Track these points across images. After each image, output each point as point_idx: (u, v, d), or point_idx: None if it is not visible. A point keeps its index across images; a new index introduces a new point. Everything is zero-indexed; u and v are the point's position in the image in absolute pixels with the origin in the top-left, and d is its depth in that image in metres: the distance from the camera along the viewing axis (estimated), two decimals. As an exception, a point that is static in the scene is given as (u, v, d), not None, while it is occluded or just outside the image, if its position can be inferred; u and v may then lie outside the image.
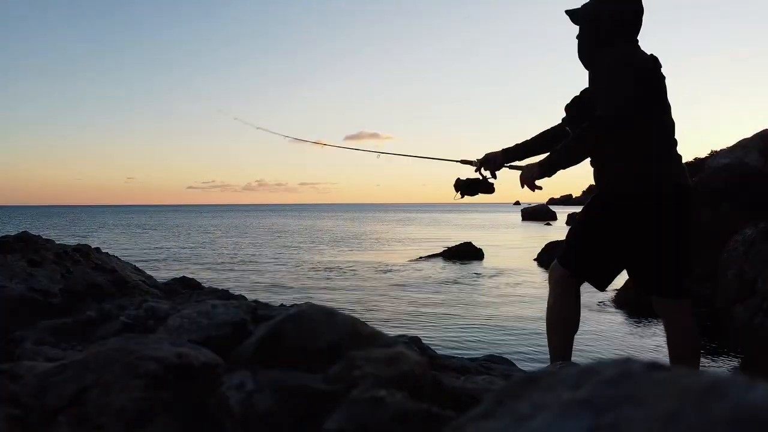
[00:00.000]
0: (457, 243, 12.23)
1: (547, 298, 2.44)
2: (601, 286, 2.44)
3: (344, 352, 0.85)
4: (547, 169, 2.30)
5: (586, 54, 2.38)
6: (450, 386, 0.94)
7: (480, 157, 2.74)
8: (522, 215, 36.16)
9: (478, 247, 11.92)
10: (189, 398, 0.81)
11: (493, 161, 2.67)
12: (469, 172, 2.83)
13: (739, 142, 6.95)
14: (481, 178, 2.73)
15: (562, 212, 33.04)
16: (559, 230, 22.04)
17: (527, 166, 2.43)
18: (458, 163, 2.84)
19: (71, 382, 0.83)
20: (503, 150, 2.66)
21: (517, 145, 2.65)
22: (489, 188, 2.73)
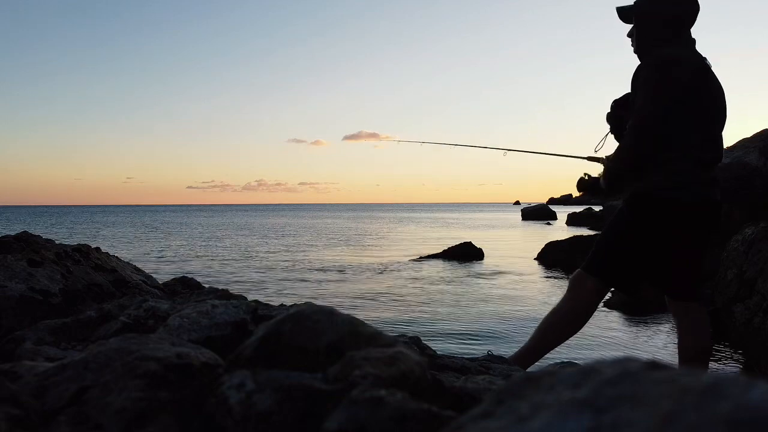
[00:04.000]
0: (457, 243, 12.22)
1: (560, 300, 2.43)
2: (629, 292, 2.46)
3: (344, 352, 0.85)
4: (609, 180, 2.45)
5: (638, 53, 2.40)
6: (450, 386, 0.94)
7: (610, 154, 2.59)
8: (522, 215, 36.15)
9: (478, 246, 11.92)
10: (189, 398, 0.81)
11: None
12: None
13: (739, 142, 6.94)
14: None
15: (562, 212, 33.02)
16: (559, 230, 22.03)
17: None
18: (585, 160, 2.68)
19: (71, 382, 0.83)
20: None
21: None
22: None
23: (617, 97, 2.45)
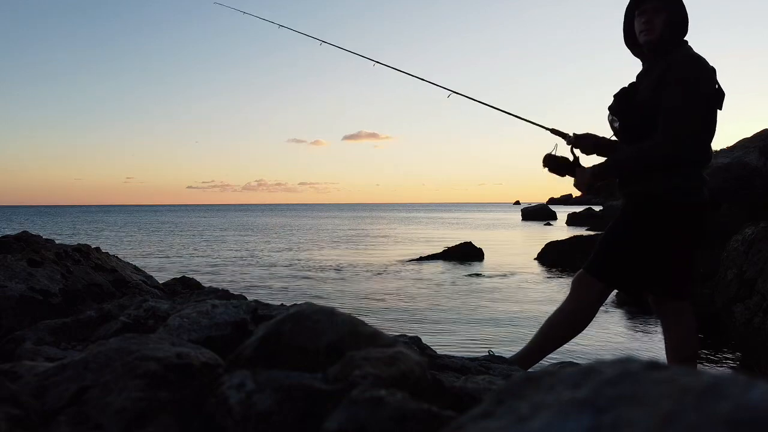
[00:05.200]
0: (458, 243, 12.22)
1: (563, 302, 2.41)
2: (631, 293, 2.44)
3: (344, 352, 0.85)
4: (599, 177, 2.37)
5: (660, 42, 2.26)
6: (450, 386, 0.94)
7: (578, 132, 2.54)
8: (522, 215, 36.16)
9: (478, 246, 11.92)
10: (189, 398, 0.81)
11: (592, 144, 2.50)
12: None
13: (738, 142, 6.95)
14: (572, 158, 2.50)
15: (562, 212, 33.02)
16: (559, 230, 22.02)
17: (579, 171, 2.43)
18: (548, 131, 2.62)
19: (71, 382, 0.83)
20: (604, 138, 2.50)
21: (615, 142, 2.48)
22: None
23: (616, 92, 2.41)
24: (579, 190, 2.46)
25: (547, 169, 2.52)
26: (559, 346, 2.40)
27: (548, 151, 2.51)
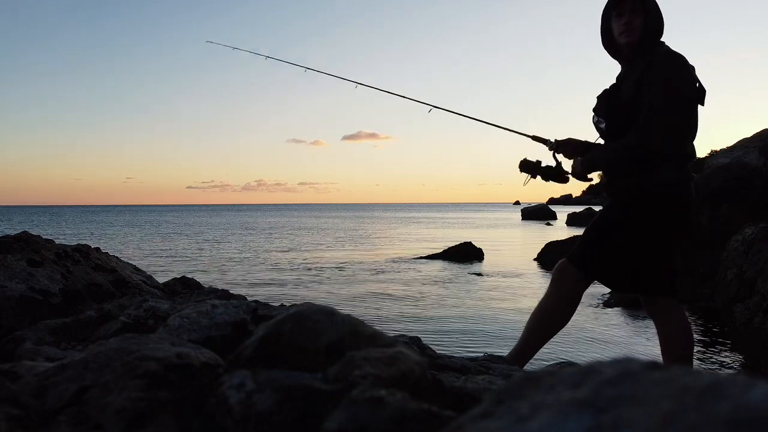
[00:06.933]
0: (457, 243, 12.22)
1: (546, 294, 2.42)
2: (616, 288, 2.44)
3: (344, 352, 0.85)
4: (587, 168, 2.41)
5: (640, 42, 2.28)
6: (450, 386, 0.94)
7: (559, 138, 2.53)
8: (522, 215, 36.16)
9: (478, 247, 11.92)
10: (189, 398, 0.81)
11: (572, 149, 2.49)
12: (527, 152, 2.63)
13: (738, 142, 6.96)
14: (554, 163, 2.48)
15: (562, 212, 33.02)
16: (559, 230, 22.02)
17: (574, 162, 2.46)
18: (530, 138, 2.62)
19: (71, 382, 0.83)
20: (586, 142, 2.51)
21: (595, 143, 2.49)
22: (563, 177, 2.48)
23: (599, 93, 2.42)
24: (579, 179, 2.49)
25: (528, 174, 2.53)
26: (549, 338, 2.40)
27: (526, 157, 2.54)
